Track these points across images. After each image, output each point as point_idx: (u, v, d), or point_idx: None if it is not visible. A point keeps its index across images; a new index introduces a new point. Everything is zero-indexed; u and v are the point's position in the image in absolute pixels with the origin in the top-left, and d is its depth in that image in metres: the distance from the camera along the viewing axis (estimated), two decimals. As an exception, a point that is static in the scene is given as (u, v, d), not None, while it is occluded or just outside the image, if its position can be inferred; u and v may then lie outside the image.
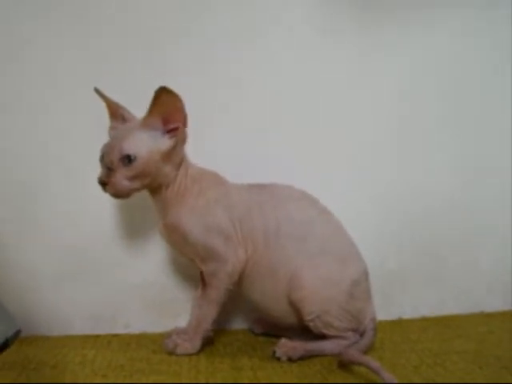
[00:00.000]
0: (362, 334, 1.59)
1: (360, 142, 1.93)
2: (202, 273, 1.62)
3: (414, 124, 1.96)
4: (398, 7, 1.91)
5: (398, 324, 1.88)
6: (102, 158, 1.49)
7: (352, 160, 1.93)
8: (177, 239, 1.59)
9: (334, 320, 1.54)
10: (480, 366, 1.48)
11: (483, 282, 2.02)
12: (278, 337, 1.60)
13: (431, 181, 1.97)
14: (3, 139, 1.76)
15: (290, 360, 1.52)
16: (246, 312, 1.85)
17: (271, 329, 1.74)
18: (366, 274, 1.63)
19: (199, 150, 1.66)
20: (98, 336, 1.76)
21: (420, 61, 1.95)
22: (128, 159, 1.45)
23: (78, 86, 1.73)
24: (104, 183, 1.47)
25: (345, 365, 1.47)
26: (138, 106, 1.51)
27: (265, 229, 1.56)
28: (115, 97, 1.61)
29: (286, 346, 1.54)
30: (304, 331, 1.59)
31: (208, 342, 1.62)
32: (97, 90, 1.59)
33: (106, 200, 1.65)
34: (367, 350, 1.55)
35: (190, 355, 1.56)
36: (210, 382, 1.38)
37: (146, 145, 1.48)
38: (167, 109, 1.47)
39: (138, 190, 1.52)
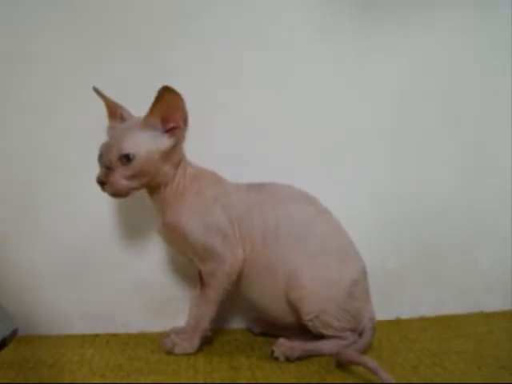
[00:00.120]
0: (360, 334, 1.59)
1: (360, 142, 1.92)
2: (200, 272, 1.62)
3: (414, 124, 1.96)
4: (398, 7, 1.91)
5: (397, 324, 1.88)
6: (101, 158, 1.49)
7: (352, 160, 1.92)
8: (175, 238, 1.59)
9: (333, 320, 1.54)
10: (478, 366, 1.48)
11: (483, 282, 2.02)
12: (277, 336, 1.60)
13: (431, 181, 1.97)
14: (3, 139, 1.76)
15: (288, 360, 1.52)
16: (244, 311, 1.85)
17: (270, 328, 1.74)
18: (364, 273, 1.63)
19: (199, 150, 1.66)
20: (96, 335, 1.76)
21: (420, 61, 1.94)
22: (127, 158, 1.45)
23: (78, 86, 1.73)
24: (102, 182, 1.46)
25: (343, 365, 1.47)
26: (138, 105, 1.51)
27: (264, 228, 1.56)
28: (115, 97, 1.61)
29: (284, 345, 1.54)
30: (302, 331, 1.59)
31: (206, 342, 1.62)
32: (96, 90, 1.59)
33: (105, 200, 1.66)
34: (365, 350, 1.55)
35: (188, 355, 1.56)
36: (208, 381, 1.39)
37: (144, 144, 1.48)
38: (167, 108, 1.47)
39: (136, 189, 1.52)
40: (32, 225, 1.78)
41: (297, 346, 1.54)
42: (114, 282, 1.81)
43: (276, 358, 1.53)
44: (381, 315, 1.78)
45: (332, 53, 1.90)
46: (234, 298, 1.66)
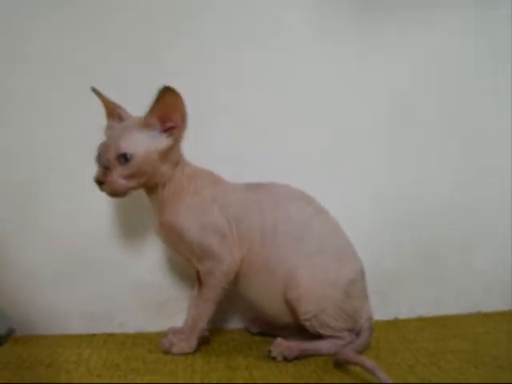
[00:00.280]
0: (357, 334, 1.59)
1: (360, 142, 1.93)
2: (198, 272, 1.62)
3: (414, 124, 1.96)
4: (398, 7, 1.91)
5: (394, 324, 1.88)
6: (99, 157, 1.49)
7: (352, 160, 1.92)
8: (173, 238, 1.59)
9: (330, 319, 1.54)
10: (476, 366, 1.48)
11: (482, 283, 2.02)
12: (274, 336, 1.59)
13: (431, 181, 1.97)
14: (3, 139, 1.77)
15: (286, 359, 1.52)
16: (242, 311, 1.85)
17: (267, 328, 1.74)
18: (362, 273, 1.63)
19: (199, 150, 1.66)
20: (93, 335, 1.76)
21: (420, 61, 1.95)
22: (124, 158, 1.45)
23: (78, 86, 1.73)
24: (100, 182, 1.46)
25: (340, 364, 1.47)
26: (138, 105, 1.51)
27: (261, 228, 1.56)
28: (115, 97, 1.62)
29: (281, 345, 1.54)
30: (300, 331, 1.59)
31: (204, 342, 1.62)
32: (94, 90, 1.60)
33: (103, 200, 1.67)
34: (363, 350, 1.55)
35: (185, 354, 1.56)
36: (206, 381, 1.39)
37: (142, 144, 1.48)
38: (166, 108, 1.47)
39: (134, 188, 1.52)
40: (32, 225, 1.78)
41: (294, 346, 1.54)
42: (112, 282, 1.81)
43: (273, 358, 1.53)
44: (379, 315, 1.79)
45: (332, 53, 1.90)
46: (232, 297, 1.67)
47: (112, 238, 1.81)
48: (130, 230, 1.82)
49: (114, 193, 1.49)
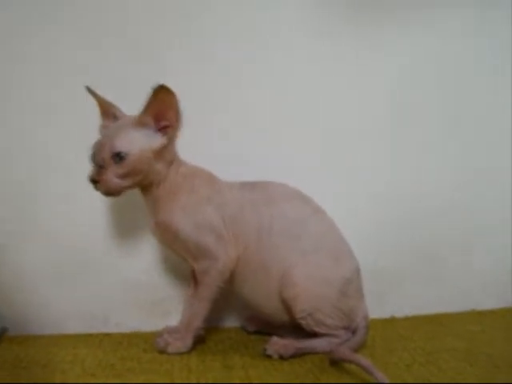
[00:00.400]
0: (353, 332, 1.59)
1: (360, 142, 1.92)
2: (193, 271, 1.63)
3: (414, 124, 1.95)
4: (398, 7, 1.91)
5: (391, 322, 1.88)
6: (93, 156, 1.49)
7: (352, 160, 1.92)
8: (168, 237, 1.59)
9: (326, 318, 1.54)
10: (471, 364, 1.48)
11: (482, 283, 2.02)
12: (271, 335, 1.60)
13: (431, 181, 1.97)
14: (3, 139, 1.77)
15: (282, 358, 1.52)
16: (238, 310, 1.85)
17: (264, 327, 1.74)
18: (358, 272, 1.63)
19: (199, 150, 1.67)
20: (89, 335, 1.76)
21: (420, 61, 1.94)
22: (119, 157, 1.45)
23: (78, 86, 1.72)
24: (95, 181, 1.47)
25: (336, 363, 1.47)
26: (138, 105, 1.51)
27: (258, 226, 1.56)
28: (115, 96, 1.62)
29: (277, 343, 1.55)
30: (296, 329, 1.59)
31: (199, 341, 1.62)
32: (88, 89, 1.60)
33: (98, 200, 1.68)
34: (359, 348, 1.55)
35: (181, 354, 1.56)
36: (202, 381, 1.39)
37: (137, 142, 1.48)
38: (161, 106, 1.48)
39: (129, 187, 1.52)
40: (31, 224, 1.79)
41: (290, 345, 1.54)
42: (108, 282, 1.82)
43: (269, 356, 1.53)
44: (376, 314, 1.80)
45: (332, 53, 1.90)
46: (228, 296, 1.66)
47: (106, 238, 1.82)
48: (124, 229, 1.82)
49: (108, 192, 1.49)
